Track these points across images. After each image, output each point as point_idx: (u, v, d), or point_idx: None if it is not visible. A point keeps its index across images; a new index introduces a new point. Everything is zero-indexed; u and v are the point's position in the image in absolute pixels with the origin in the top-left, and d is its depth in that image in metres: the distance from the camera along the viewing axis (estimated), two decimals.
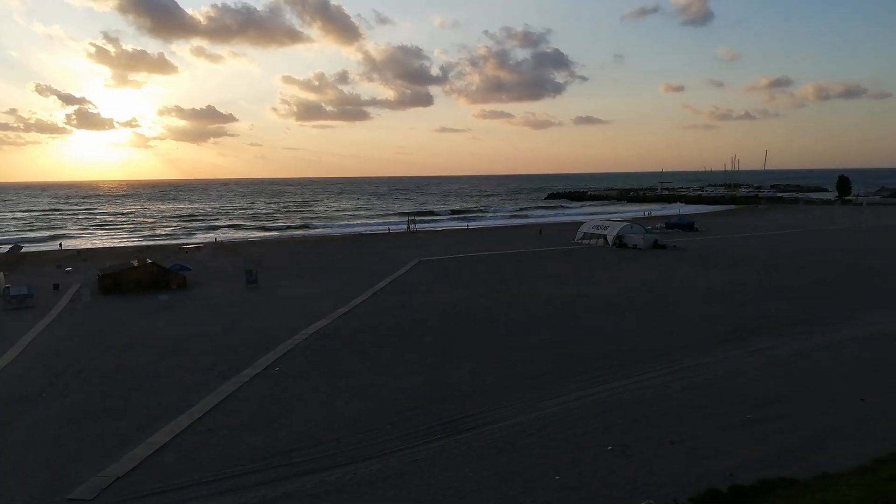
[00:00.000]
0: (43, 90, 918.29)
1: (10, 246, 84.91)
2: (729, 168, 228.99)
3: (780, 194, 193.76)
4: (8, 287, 45.30)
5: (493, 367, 25.62)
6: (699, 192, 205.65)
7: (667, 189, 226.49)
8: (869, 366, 24.12)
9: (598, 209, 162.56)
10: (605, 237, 72.77)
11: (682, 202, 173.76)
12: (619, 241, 70.19)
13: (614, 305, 37.94)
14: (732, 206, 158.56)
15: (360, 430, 19.18)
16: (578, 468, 15.90)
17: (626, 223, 78.58)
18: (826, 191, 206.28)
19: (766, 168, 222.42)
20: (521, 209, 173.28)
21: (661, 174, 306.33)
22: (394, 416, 20.34)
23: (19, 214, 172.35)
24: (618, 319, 33.99)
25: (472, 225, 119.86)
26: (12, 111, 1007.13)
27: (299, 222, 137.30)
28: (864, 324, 31.28)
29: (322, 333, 32.57)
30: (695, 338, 29.23)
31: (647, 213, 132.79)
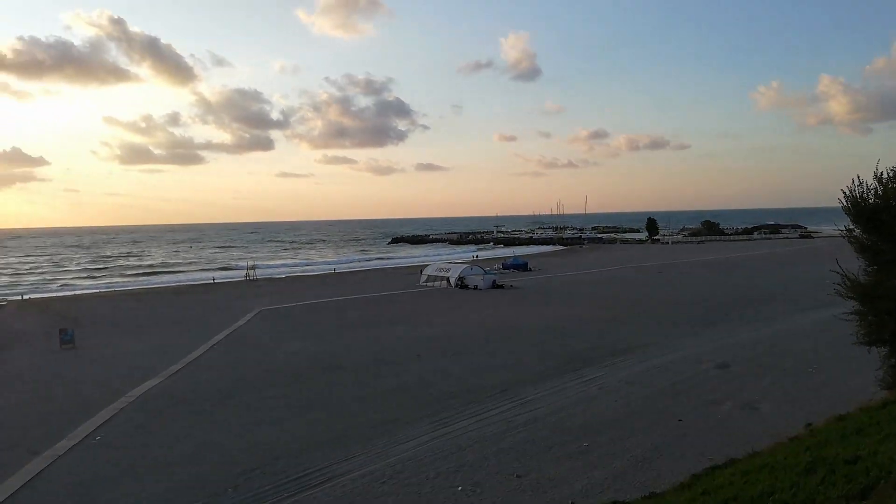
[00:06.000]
0: None
1: None
2: (555, 212, 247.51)
3: (600, 235, 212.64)
4: None
5: (342, 416, 25.05)
6: (531, 235, 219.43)
7: (502, 232, 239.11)
8: (682, 387, 26.80)
9: (441, 252, 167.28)
10: (447, 279, 74.83)
11: (539, 243, 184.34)
12: (461, 283, 72.50)
13: (459, 345, 38.92)
14: (560, 247, 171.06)
15: (198, 498, 17.73)
16: None
17: (466, 265, 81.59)
18: (638, 231, 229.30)
19: (587, 212, 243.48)
20: (366, 253, 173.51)
21: (497, 218, 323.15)
22: (236, 477, 19.07)
23: None
24: (462, 359, 34.87)
25: (337, 270, 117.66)
26: None
27: (124, 274, 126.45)
28: (677, 348, 34.81)
29: (151, 394, 29.92)
30: (534, 372, 30.75)
31: (474, 255, 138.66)
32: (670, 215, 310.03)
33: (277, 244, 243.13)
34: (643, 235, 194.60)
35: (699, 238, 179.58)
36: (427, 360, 35.05)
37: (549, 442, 20.59)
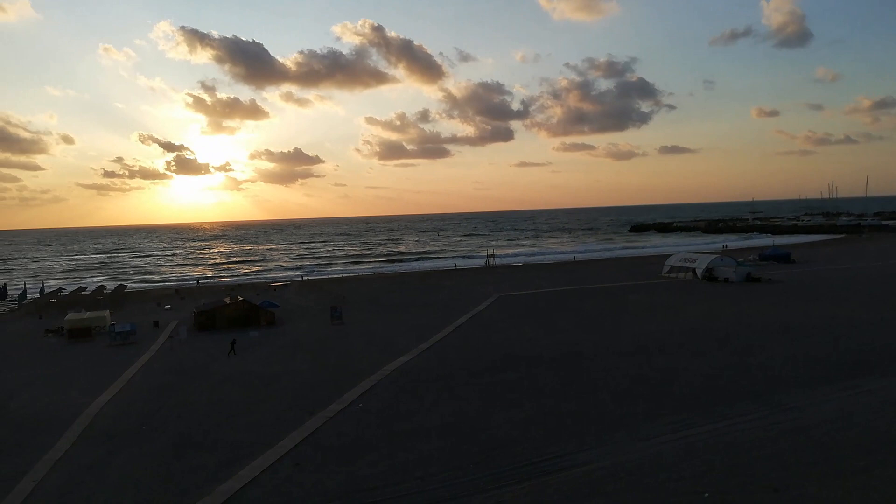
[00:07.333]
0: (145, 139, 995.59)
1: (116, 285, 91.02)
2: (826, 195, 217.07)
3: (885, 222, 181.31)
4: (113, 324, 48.39)
5: (580, 405, 24.87)
6: (795, 222, 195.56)
7: (759, 218, 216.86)
8: None
9: (687, 241, 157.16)
10: (693, 270, 70.13)
11: (805, 231, 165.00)
12: (710, 275, 67.43)
13: (706, 342, 36.22)
14: (832, 236, 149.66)
15: (444, 469, 18.97)
16: None
17: (716, 255, 75.54)
18: None
19: (868, 194, 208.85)
20: (604, 242, 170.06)
21: (753, 203, 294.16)
22: (477, 454, 20.02)
23: (126, 256, 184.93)
24: (710, 357, 32.38)
25: (577, 258, 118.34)
26: (118, 159, 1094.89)
27: (381, 259, 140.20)
28: None
29: (404, 370, 32.74)
30: (796, 377, 27.37)
31: (724, 245, 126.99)
32: None
33: (516, 232, 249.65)
34: None
35: None
36: (671, 355, 33.19)
37: (814, 457, 18.16)
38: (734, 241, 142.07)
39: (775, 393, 24.96)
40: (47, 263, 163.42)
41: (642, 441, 20.29)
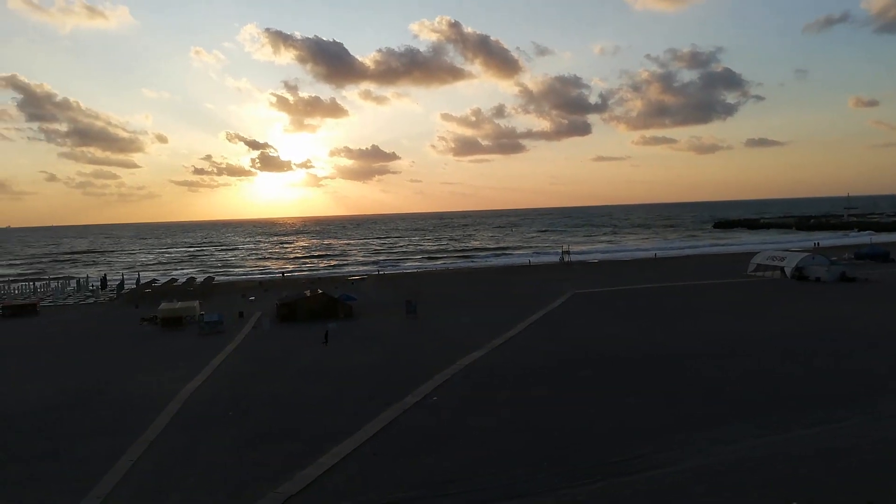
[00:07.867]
0: (232, 138, 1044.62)
1: (205, 277, 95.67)
2: None
3: None
4: (202, 314, 50.85)
5: (658, 406, 24.26)
6: (894, 218, 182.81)
7: (855, 215, 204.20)
8: None
9: (775, 238, 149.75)
10: (782, 269, 66.82)
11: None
12: (799, 273, 64.08)
13: (795, 343, 34.49)
14: None
15: (517, 465, 18.96)
16: None
17: (806, 253, 71.69)
18: None
19: None
20: (686, 238, 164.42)
21: (848, 199, 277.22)
22: (551, 452, 19.89)
23: (214, 250, 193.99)
24: (800, 359, 30.82)
25: (658, 255, 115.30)
26: (207, 157, 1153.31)
27: (455, 255, 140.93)
28: None
29: (477, 365, 32.85)
30: (894, 383, 25.66)
31: (815, 242, 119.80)
32: None
33: (592, 228, 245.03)
34: None
35: None
36: (757, 357, 31.81)
37: None
38: (827, 239, 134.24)
39: (871, 399, 23.54)
40: (142, 256, 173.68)
41: (724, 444, 19.60)
